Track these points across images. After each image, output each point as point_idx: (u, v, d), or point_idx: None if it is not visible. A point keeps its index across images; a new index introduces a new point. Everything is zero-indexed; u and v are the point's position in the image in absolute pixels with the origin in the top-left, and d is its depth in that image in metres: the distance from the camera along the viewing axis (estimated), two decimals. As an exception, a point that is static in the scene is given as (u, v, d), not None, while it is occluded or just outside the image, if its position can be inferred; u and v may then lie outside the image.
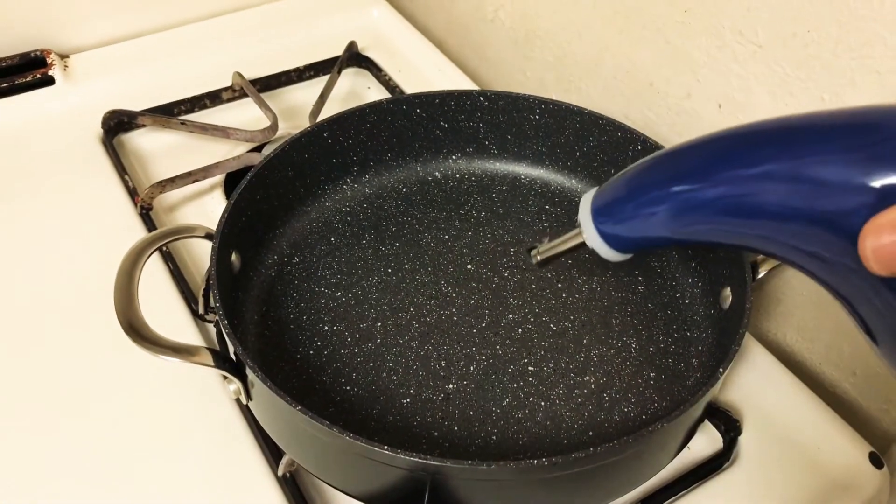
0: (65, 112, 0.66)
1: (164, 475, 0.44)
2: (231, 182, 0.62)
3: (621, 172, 0.37)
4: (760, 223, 0.30)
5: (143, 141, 0.65)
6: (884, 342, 0.29)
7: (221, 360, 0.40)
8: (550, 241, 0.43)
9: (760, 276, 0.46)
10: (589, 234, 0.39)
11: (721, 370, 0.40)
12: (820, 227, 0.28)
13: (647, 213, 0.35)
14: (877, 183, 0.26)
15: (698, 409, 0.41)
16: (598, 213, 0.38)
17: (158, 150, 0.65)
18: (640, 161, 0.36)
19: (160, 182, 0.58)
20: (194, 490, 0.44)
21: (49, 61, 0.68)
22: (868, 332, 0.29)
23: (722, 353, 0.43)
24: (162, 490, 0.44)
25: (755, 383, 0.50)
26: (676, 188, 0.33)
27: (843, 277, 0.29)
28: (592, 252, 0.39)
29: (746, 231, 0.31)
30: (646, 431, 0.37)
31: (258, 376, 0.38)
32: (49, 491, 0.43)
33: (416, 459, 0.35)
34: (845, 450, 0.47)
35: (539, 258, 0.43)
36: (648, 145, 0.52)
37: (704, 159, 0.33)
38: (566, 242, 0.42)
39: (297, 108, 0.69)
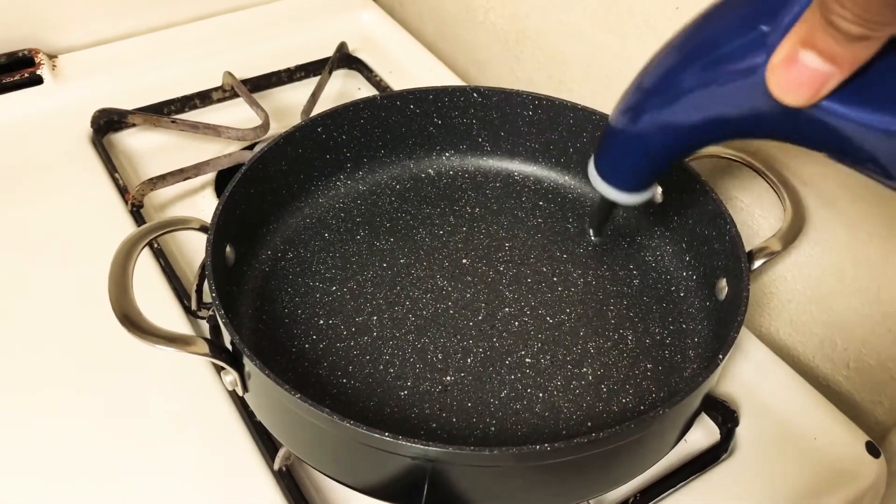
0: (53, 112, 0.65)
1: (159, 470, 0.44)
2: (222, 181, 0.62)
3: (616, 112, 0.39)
4: (704, 110, 0.32)
5: (133, 140, 0.65)
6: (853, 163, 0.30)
7: (218, 350, 0.40)
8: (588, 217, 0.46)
9: (756, 266, 0.46)
10: (602, 188, 0.40)
11: (721, 357, 0.40)
12: (746, 91, 0.30)
13: (629, 142, 0.37)
14: (764, 28, 0.28)
15: (699, 395, 0.41)
16: (601, 169, 0.40)
17: (149, 150, 0.64)
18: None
19: (151, 179, 0.57)
20: (190, 485, 0.43)
21: (37, 61, 0.68)
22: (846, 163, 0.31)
23: (718, 344, 0.43)
24: (158, 484, 0.43)
25: (751, 375, 0.50)
26: (639, 111, 0.36)
27: (779, 125, 0.30)
28: (601, 209, 0.42)
29: (699, 118, 0.33)
30: (648, 417, 0.37)
31: (256, 365, 0.37)
32: (42, 485, 0.43)
33: (419, 446, 0.35)
34: (842, 439, 0.47)
35: (590, 230, 0.48)
36: (642, 140, 0.52)
37: (650, 77, 0.35)
38: (600, 209, 0.45)
39: (288, 108, 0.68)
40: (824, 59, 0.26)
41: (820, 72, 0.26)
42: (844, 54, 0.25)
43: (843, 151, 0.29)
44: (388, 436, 0.35)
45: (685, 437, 0.47)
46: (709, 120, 0.33)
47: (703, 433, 0.48)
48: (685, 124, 0.34)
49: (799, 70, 0.27)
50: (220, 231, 0.44)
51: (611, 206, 0.43)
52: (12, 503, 0.42)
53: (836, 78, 0.26)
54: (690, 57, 0.32)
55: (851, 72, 0.26)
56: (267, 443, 0.45)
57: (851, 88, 0.27)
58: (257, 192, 0.50)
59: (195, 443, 0.45)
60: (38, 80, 0.67)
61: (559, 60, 0.67)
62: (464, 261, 0.52)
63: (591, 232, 0.46)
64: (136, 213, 0.57)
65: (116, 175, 0.60)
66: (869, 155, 0.28)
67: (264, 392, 0.40)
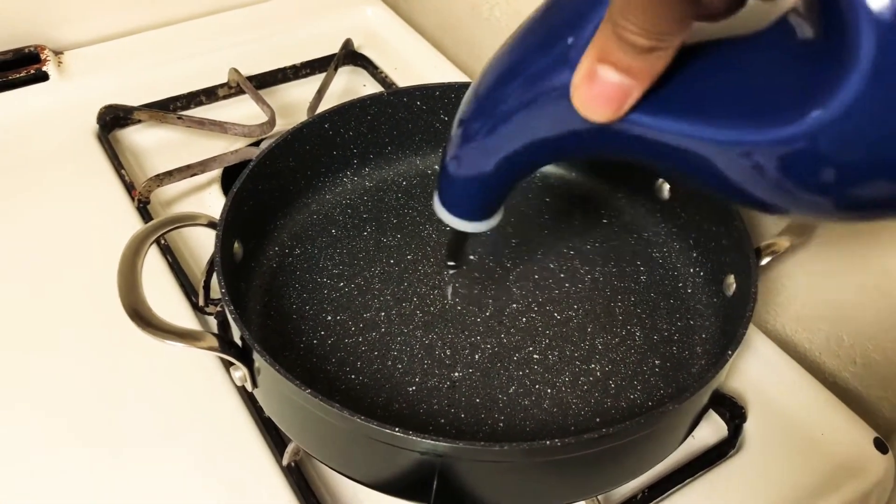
0: (59, 108, 0.66)
1: (169, 465, 0.44)
2: (228, 177, 0.62)
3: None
4: (526, 133, 0.32)
5: (139, 137, 0.65)
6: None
7: (227, 345, 0.40)
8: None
9: (764, 262, 0.46)
10: (449, 220, 0.40)
11: (729, 353, 0.40)
12: (560, 110, 0.29)
13: (463, 172, 0.36)
14: (559, 56, 0.28)
15: (708, 391, 0.41)
16: (442, 198, 0.39)
17: (155, 146, 0.64)
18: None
19: (158, 175, 0.57)
20: (200, 481, 0.43)
21: (43, 57, 0.68)
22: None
23: (727, 340, 0.43)
24: (167, 480, 0.43)
25: (758, 371, 0.50)
26: (465, 142, 0.35)
27: (601, 142, 0.30)
28: (473, 234, 0.41)
29: (523, 142, 0.33)
30: (657, 412, 0.37)
31: (266, 360, 0.37)
32: (52, 478, 0.43)
33: (429, 441, 0.35)
34: (850, 436, 0.47)
35: (448, 262, 0.46)
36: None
37: (469, 106, 0.34)
38: (450, 239, 0.45)
39: (294, 104, 0.68)
40: (621, 73, 0.26)
41: (619, 85, 0.26)
42: (639, 66, 0.26)
43: (671, 164, 0.29)
44: (398, 431, 0.35)
45: (693, 434, 0.47)
46: (534, 143, 0.32)
47: (711, 429, 0.48)
48: (511, 150, 0.33)
49: (599, 86, 0.27)
50: (228, 227, 0.44)
51: (462, 235, 0.42)
52: (24, 494, 0.42)
53: (635, 90, 0.26)
54: (503, 79, 0.32)
55: (650, 83, 0.26)
56: (276, 438, 0.45)
57: (658, 99, 0.27)
58: (265, 189, 0.50)
59: (204, 439, 0.45)
60: (43, 77, 0.67)
61: (565, 57, 0.67)
62: (471, 257, 0.52)
63: (449, 264, 0.45)
64: (143, 210, 0.57)
65: (123, 171, 0.60)
66: (700, 170, 0.28)
67: (274, 387, 0.40)
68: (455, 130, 0.35)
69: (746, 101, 0.26)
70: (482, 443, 0.35)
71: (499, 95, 0.32)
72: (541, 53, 0.30)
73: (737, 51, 0.28)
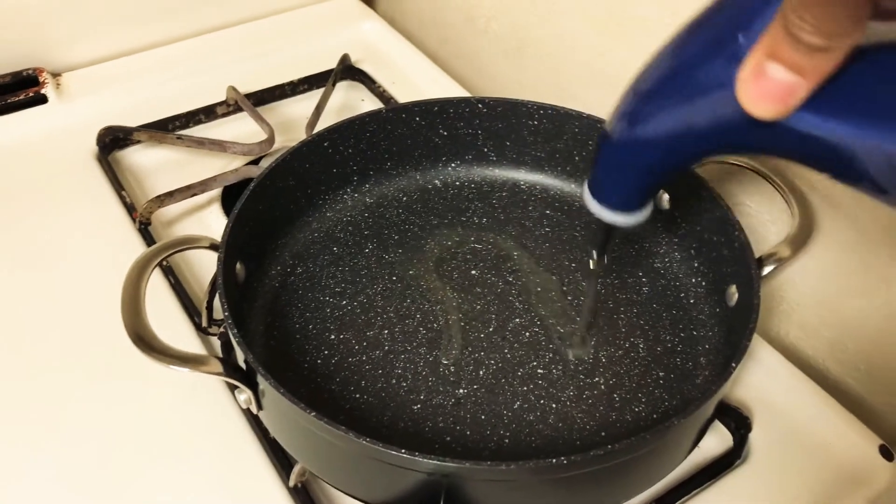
0: (59, 130, 0.66)
1: (174, 489, 0.44)
2: (228, 197, 0.62)
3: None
4: (689, 121, 0.32)
5: (138, 157, 0.65)
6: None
7: (231, 369, 0.40)
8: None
9: (766, 272, 0.46)
10: (599, 211, 0.39)
11: (733, 365, 0.40)
12: (723, 104, 0.30)
13: (620, 163, 0.37)
14: (727, 52, 0.28)
15: (713, 403, 0.41)
16: (594, 190, 0.39)
17: (155, 166, 0.64)
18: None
19: (159, 196, 0.58)
20: (206, 502, 0.43)
21: (41, 80, 0.68)
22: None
23: (730, 350, 0.43)
24: (173, 502, 0.43)
25: (762, 380, 0.50)
26: (634, 120, 0.35)
27: (759, 139, 0.30)
28: (615, 226, 0.40)
29: (685, 129, 0.33)
30: (663, 427, 0.37)
31: (270, 383, 0.38)
32: (57, 502, 0.43)
33: (434, 462, 0.35)
34: (855, 443, 0.47)
35: (592, 261, 0.45)
36: (648, 147, 0.52)
37: (631, 103, 0.35)
38: (596, 234, 0.43)
39: (293, 121, 0.68)
40: (790, 71, 0.26)
41: (787, 83, 0.26)
42: (809, 65, 0.26)
43: (829, 164, 0.29)
44: (404, 452, 0.35)
45: (699, 444, 0.47)
46: (695, 136, 0.33)
47: (717, 440, 0.48)
48: (672, 143, 0.34)
49: (766, 82, 0.27)
50: (230, 249, 0.45)
51: (609, 230, 0.42)
52: (29, 525, 0.42)
53: (803, 89, 0.26)
54: (669, 73, 0.32)
55: (818, 82, 0.26)
56: (282, 460, 0.45)
57: (826, 99, 0.27)
58: (265, 208, 0.50)
59: (210, 460, 0.45)
60: (42, 100, 0.67)
61: (562, 68, 0.67)
62: (473, 272, 0.52)
63: (591, 261, 0.45)
64: (144, 231, 0.57)
65: (123, 193, 0.60)
66: (854, 168, 0.28)
67: (279, 409, 0.40)
68: (616, 123, 0.35)
69: None
70: (488, 462, 0.35)
71: (664, 89, 0.32)
72: (709, 49, 0.30)
73: None
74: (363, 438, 0.35)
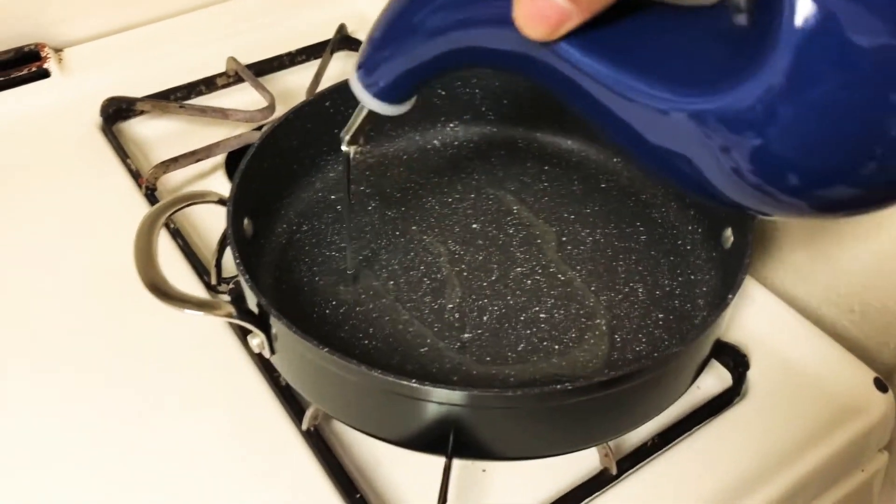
0: (62, 103, 0.67)
1: (191, 436, 0.45)
2: (232, 162, 0.63)
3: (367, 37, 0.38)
4: (473, 32, 0.33)
5: (142, 128, 0.66)
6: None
7: (244, 312, 0.41)
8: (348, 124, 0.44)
9: (759, 213, 0.47)
10: (367, 100, 0.39)
11: (730, 297, 0.41)
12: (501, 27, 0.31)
13: (396, 51, 0.36)
14: None
15: (712, 335, 0.42)
16: (364, 76, 0.39)
17: (158, 136, 0.65)
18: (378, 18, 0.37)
19: (164, 162, 0.59)
20: (222, 449, 0.44)
21: (44, 55, 0.69)
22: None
23: (727, 290, 0.44)
24: (191, 449, 0.44)
25: (758, 321, 0.51)
26: (416, 19, 0.35)
27: (526, 61, 0.31)
28: (380, 117, 0.40)
29: (465, 41, 0.33)
30: (663, 355, 0.38)
31: (283, 323, 0.39)
32: (75, 453, 0.44)
33: (445, 390, 0.36)
34: (850, 376, 0.48)
35: (345, 139, 0.44)
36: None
37: None
38: (356, 118, 0.43)
39: (293, 90, 0.69)
40: None
41: (558, 7, 0.28)
42: None
43: (589, 111, 0.31)
44: (415, 382, 0.36)
45: (699, 385, 0.48)
46: (472, 49, 0.33)
47: (717, 380, 0.49)
48: (447, 48, 0.34)
49: (540, 4, 0.28)
50: (237, 203, 0.46)
51: (370, 116, 0.41)
52: (46, 468, 0.43)
53: (574, 18, 0.28)
54: None
55: (588, 16, 0.28)
56: (294, 405, 0.46)
57: (593, 38, 0.29)
58: (270, 167, 0.51)
59: (224, 409, 0.46)
60: (45, 74, 0.68)
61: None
62: (474, 225, 0.53)
63: (345, 140, 0.43)
64: (151, 196, 0.58)
65: (129, 161, 0.61)
66: (614, 122, 0.30)
67: (291, 350, 0.41)
68: (391, 15, 0.35)
69: (676, 65, 0.29)
70: (496, 389, 0.36)
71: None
72: None
73: (678, 19, 0.30)
74: (375, 370, 0.36)
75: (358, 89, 0.39)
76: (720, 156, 0.28)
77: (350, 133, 0.43)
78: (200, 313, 0.40)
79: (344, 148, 0.43)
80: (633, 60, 0.29)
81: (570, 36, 0.29)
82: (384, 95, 0.38)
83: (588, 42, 0.29)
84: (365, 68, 0.38)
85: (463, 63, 0.35)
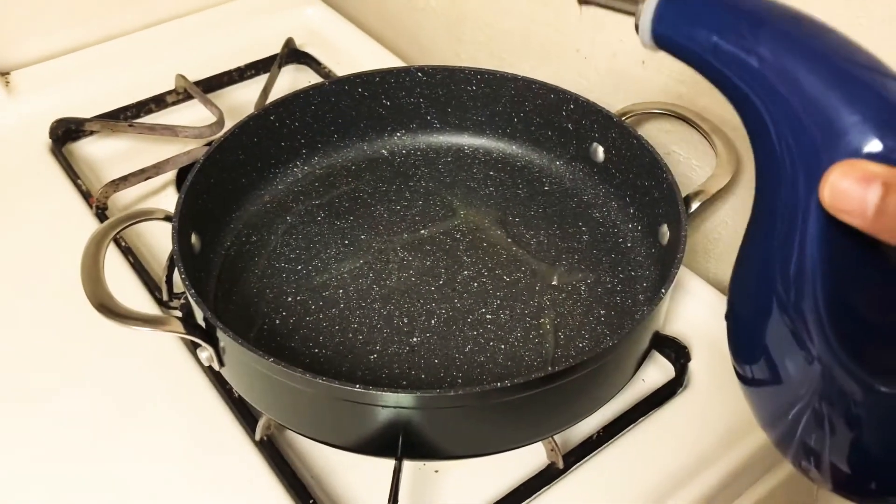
0: (11, 126, 0.67)
1: (146, 451, 0.46)
2: (182, 179, 0.63)
3: None
4: (778, 96, 0.31)
5: (92, 148, 0.66)
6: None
7: (192, 327, 0.42)
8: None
9: (693, 209, 0.49)
10: (648, 5, 0.36)
11: (663, 291, 0.43)
12: (817, 123, 0.29)
13: (700, 36, 0.34)
14: (876, 145, 0.28)
15: (647, 327, 0.44)
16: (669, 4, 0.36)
17: (108, 156, 0.66)
18: None
19: (113, 181, 0.59)
20: (176, 462, 0.45)
21: (-10, 78, 0.69)
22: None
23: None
24: (146, 464, 0.45)
25: (700, 315, 0.53)
26: (734, 39, 0.33)
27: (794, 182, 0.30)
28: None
29: (763, 94, 0.32)
30: (600, 349, 0.39)
31: (229, 336, 0.40)
32: (30, 471, 0.44)
33: (391, 394, 0.37)
34: (786, 363, 0.50)
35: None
36: (581, 103, 0.55)
37: (771, 25, 0.33)
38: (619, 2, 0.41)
39: (242, 105, 0.70)
40: None
41: (862, 197, 0.27)
42: None
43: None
44: (359, 387, 0.37)
45: (643, 378, 0.50)
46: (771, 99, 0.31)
47: (660, 372, 0.51)
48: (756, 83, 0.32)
49: (855, 174, 0.27)
50: (184, 219, 0.46)
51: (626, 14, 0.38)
52: (8, 484, 0.44)
53: (865, 219, 0.27)
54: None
55: (876, 233, 0.27)
56: (247, 416, 0.47)
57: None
58: (217, 182, 0.52)
59: (177, 423, 0.47)
60: (-8, 98, 0.68)
61: (498, 37, 0.70)
62: (422, 231, 0.55)
63: None
64: (101, 216, 0.59)
65: (79, 181, 0.61)
66: None
67: (240, 362, 0.42)
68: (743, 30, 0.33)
69: None
70: (438, 390, 0.37)
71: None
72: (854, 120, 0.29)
73: None
74: (321, 378, 0.37)
75: (651, 4, 0.36)
76: None
77: (608, 4, 0.41)
78: (148, 329, 0.41)
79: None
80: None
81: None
82: (659, 32, 0.36)
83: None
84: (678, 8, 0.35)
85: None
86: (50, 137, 0.65)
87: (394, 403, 0.38)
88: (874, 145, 0.28)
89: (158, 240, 0.58)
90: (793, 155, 0.30)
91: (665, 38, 0.37)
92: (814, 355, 0.31)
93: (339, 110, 0.58)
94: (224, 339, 0.41)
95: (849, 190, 0.27)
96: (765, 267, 0.32)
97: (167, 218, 0.47)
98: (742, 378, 0.36)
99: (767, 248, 0.32)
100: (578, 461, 0.45)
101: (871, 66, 0.30)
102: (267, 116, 0.55)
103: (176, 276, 0.52)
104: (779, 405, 0.35)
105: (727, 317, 0.35)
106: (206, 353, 0.43)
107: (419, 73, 0.58)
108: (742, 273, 0.34)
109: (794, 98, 0.30)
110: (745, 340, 0.35)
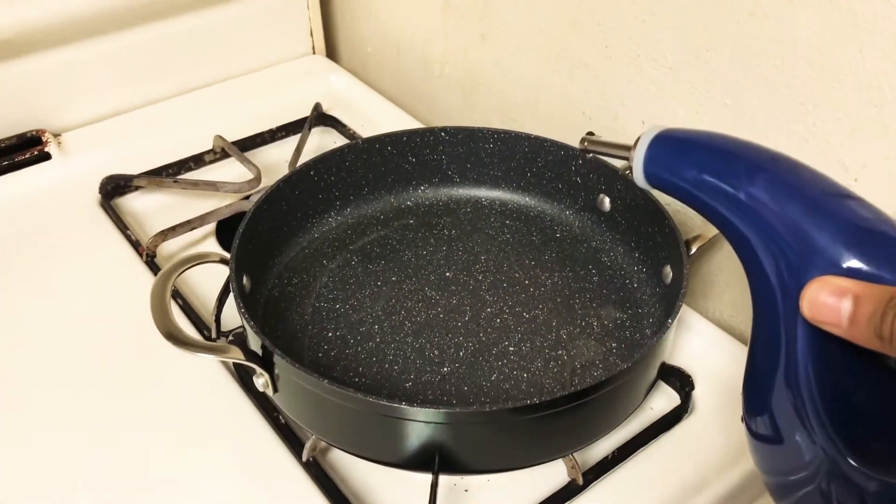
0: (63, 183, 0.73)
1: (196, 472, 0.50)
2: (222, 231, 0.69)
3: (699, 132, 0.42)
4: (762, 224, 0.36)
5: (138, 203, 0.72)
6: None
7: (250, 354, 0.47)
8: (603, 138, 0.49)
9: (693, 251, 0.54)
10: (639, 152, 0.43)
11: (670, 321, 0.48)
12: (792, 249, 0.34)
13: (689, 174, 0.40)
14: (846, 261, 0.32)
15: (656, 355, 0.49)
16: (658, 143, 0.42)
17: (153, 210, 0.71)
18: (713, 135, 0.41)
19: (162, 231, 0.65)
20: (228, 483, 0.49)
21: (44, 139, 0.75)
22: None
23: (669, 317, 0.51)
24: (200, 484, 0.49)
25: (702, 348, 0.58)
26: (721, 176, 0.38)
27: (773, 298, 0.35)
28: (626, 169, 0.45)
29: (749, 224, 0.36)
30: (616, 372, 0.44)
31: (286, 361, 0.44)
32: (88, 486, 0.49)
33: (432, 409, 0.42)
34: (781, 390, 0.55)
35: (585, 144, 0.50)
36: (588, 159, 0.61)
37: (752, 164, 0.37)
38: (615, 147, 0.47)
39: (275, 163, 0.76)
40: None
41: (837, 307, 0.31)
42: None
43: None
44: (404, 403, 0.42)
45: (651, 406, 0.55)
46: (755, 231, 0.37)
47: (667, 401, 0.55)
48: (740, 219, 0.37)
49: (831, 288, 0.32)
50: (239, 261, 0.52)
51: (621, 157, 0.46)
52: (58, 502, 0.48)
53: (842, 328, 0.31)
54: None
55: (852, 339, 0.31)
56: (293, 439, 0.51)
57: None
58: (264, 229, 0.58)
59: (228, 448, 0.51)
60: (46, 157, 0.74)
61: (510, 103, 0.76)
62: (447, 273, 0.60)
63: (584, 144, 0.51)
64: (151, 263, 0.64)
65: (128, 232, 0.67)
66: None
67: (294, 385, 0.47)
68: (721, 176, 0.38)
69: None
70: (475, 406, 0.42)
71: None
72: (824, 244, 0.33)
73: None
74: (371, 396, 0.42)
75: (641, 151, 0.43)
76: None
77: (594, 147, 0.50)
78: (211, 357, 0.46)
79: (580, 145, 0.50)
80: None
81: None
82: (649, 171, 0.43)
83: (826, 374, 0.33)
84: (665, 148, 0.42)
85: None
86: (100, 192, 0.71)
87: (433, 419, 0.43)
88: (845, 261, 0.32)
89: (203, 284, 0.63)
90: (778, 272, 0.34)
91: (656, 177, 0.43)
92: (817, 444, 0.34)
93: (370, 166, 0.64)
94: (280, 363, 0.46)
95: (825, 303, 0.31)
96: (767, 373, 0.36)
97: (223, 260, 0.53)
98: (753, 434, 0.39)
99: (765, 353, 0.36)
100: (596, 479, 0.50)
101: (838, 192, 0.35)
102: (307, 171, 0.61)
103: (224, 314, 0.57)
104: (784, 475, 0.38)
105: (742, 419, 0.40)
106: (261, 379, 0.48)
107: (442, 133, 0.65)
108: (750, 371, 0.38)
109: (777, 224, 0.34)
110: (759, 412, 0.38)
